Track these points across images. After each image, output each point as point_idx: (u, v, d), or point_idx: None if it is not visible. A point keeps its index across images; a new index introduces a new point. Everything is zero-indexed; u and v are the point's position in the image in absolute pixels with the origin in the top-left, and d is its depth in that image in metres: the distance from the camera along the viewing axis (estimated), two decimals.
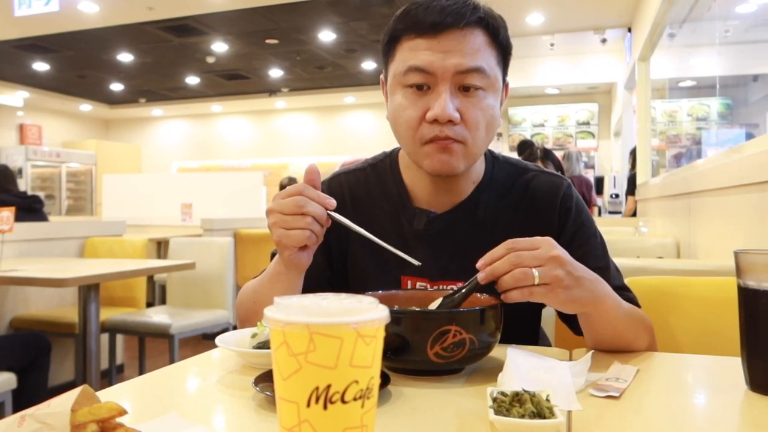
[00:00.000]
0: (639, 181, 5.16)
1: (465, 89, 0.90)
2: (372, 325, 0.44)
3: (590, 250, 0.99)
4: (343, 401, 0.43)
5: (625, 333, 0.86)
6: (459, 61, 0.87)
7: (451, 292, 0.84)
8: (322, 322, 0.43)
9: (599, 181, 8.60)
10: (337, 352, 0.43)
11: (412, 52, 0.89)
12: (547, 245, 0.76)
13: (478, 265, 0.77)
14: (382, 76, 1.01)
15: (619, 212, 6.93)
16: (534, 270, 0.74)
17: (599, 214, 7.31)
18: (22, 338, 2.55)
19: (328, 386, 0.43)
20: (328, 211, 0.83)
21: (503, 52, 0.94)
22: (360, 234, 0.85)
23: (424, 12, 0.88)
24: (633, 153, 5.58)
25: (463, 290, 0.81)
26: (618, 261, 1.73)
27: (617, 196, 7.31)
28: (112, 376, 3.30)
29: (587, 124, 9.90)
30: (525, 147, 5.97)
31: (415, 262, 0.85)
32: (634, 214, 5.26)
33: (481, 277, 0.77)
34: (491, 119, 0.92)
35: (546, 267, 0.74)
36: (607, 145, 9.74)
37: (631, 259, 2.07)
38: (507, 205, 1.01)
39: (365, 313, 0.44)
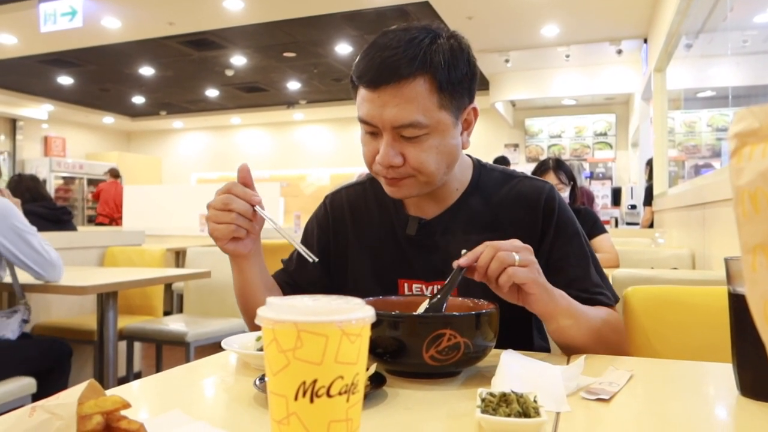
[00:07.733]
0: (656, 191, 5.12)
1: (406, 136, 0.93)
2: (356, 323, 0.47)
3: (572, 249, 1.05)
4: (329, 395, 0.46)
5: (589, 347, 0.93)
6: (394, 115, 0.91)
7: (436, 293, 0.88)
8: (309, 321, 0.45)
9: (617, 192, 8.54)
10: (323, 349, 0.45)
11: (362, 103, 0.95)
12: (521, 244, 0.85)
13: (461, 261, 0.84)
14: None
15: (636, 223, 6.87)
16: (514, 253, 0.83)
17: (616, 225, 7.26)
18: (45, 343, 2.59)
19: (315, 381, 0.46)
20: (255, 207, 0.93)
21: (451, 91, 0.93)
22: (276, 228, 0.96)
23: (367, 66, 0.92)
24: (649, 164, 5.54)
25: (445, 286, 0.86)
26: (631, 271, 1.75)
27: (635, 207, 7.25)
28: (129, 382, 3.35)
29: (605, 134, 9.85)
30: (503, 162, 6.14)
31: (314, 258, 0.94)
32: (651, 225, 5.21)
33: (462, 261, 0.84)
34: (439, 155, 0.95)
35: (522, 253, 0.83)
36: (625, 155, 9.67)
37: (644, 270, 2.07)
38: (493, 207, 1.07)
39: (350, 313, 0.47)
